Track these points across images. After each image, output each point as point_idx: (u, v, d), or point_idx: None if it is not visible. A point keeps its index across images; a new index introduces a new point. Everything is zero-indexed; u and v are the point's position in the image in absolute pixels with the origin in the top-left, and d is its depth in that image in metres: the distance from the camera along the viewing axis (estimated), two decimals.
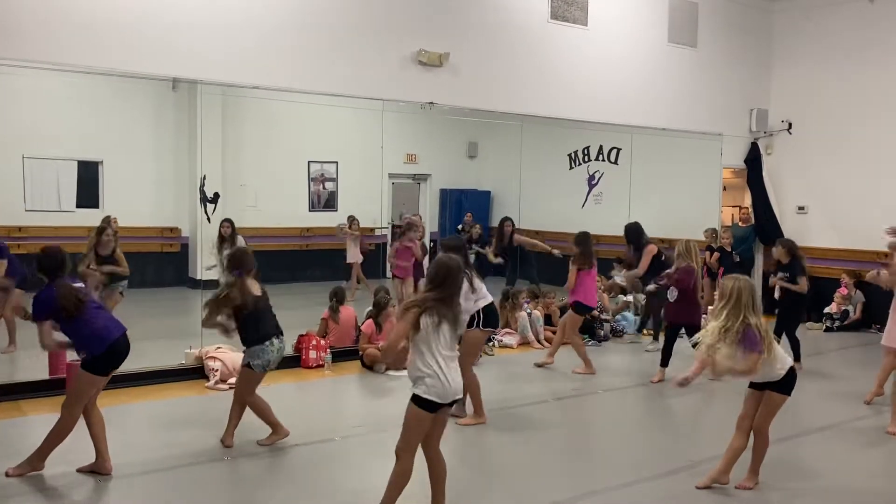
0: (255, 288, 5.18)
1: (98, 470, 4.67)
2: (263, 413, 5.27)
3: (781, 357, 4.64)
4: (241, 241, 9.33)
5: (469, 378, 5.71)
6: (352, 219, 11.16)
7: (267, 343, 5.15)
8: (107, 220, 8.01)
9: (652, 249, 8.93)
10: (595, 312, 9.64)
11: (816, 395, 7.12)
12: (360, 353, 7.91)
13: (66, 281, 4.62)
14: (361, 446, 5.45)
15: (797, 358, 7.69)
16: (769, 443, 4.75)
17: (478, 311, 5.84)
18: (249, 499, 4.54)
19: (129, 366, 7.12)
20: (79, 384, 4.67)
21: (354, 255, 11.12)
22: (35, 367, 7.00)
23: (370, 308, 8.33)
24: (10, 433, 5.63)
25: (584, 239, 7.85)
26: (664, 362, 7.54)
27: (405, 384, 7.25)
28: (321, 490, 4.71)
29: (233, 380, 6.94)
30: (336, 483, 4.81)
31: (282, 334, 5.29)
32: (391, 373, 7.61)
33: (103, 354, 4.59)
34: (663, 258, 8.84)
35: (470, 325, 5.74)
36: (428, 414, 3.89)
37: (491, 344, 8.88)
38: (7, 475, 4.57)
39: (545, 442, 5.78)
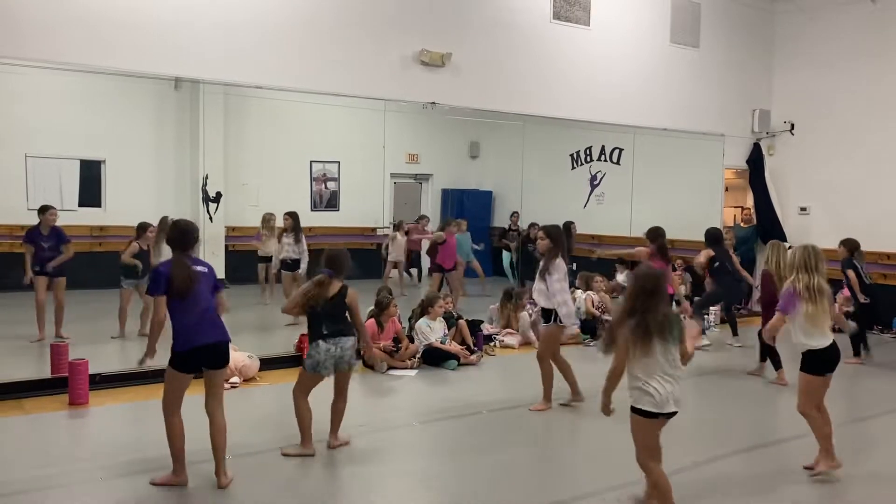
0: (334, 289, 5.16)
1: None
2: (301, 420, 5.21)
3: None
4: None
5: (546, 368, 6.38)
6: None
7: (313, 344, 5.14)
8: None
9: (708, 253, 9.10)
10: (597, 313, 9.65)
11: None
12: (362, 352, 7.90)
13: (185, 259, 4.51)
14: (363, 445, 5.45)
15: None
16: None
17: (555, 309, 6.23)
18: (250, 497, 4.54)
19: (134, 363, 7.23)
20: (166, 380, 4.63)
21: (399, 254, 11.31)
22: (38, 365, 7.04)
23: (372, 307, 8.33)
24: (11, 432, 5.64)
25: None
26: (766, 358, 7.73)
27: (406, 383, 7.33)
28: (322, 490, 4.71)
29: (234, 379, 6.95)
30: (338, 483, 4.81)
31: (339, 335, 5.15)
32: (392, 372, 7.62)
33: (183, 354, 4.52)
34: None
35: (548, 320, 6.29)
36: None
37: (493, 344, 8.89)
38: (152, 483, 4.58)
39: (548, 442, 5.78)
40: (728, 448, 5.55)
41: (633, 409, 4.00)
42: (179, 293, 4.42)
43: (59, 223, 8.06)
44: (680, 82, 11.04)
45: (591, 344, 9.17)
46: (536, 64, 9.61)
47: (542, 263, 6.36)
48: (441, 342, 7.99)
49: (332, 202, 12.78)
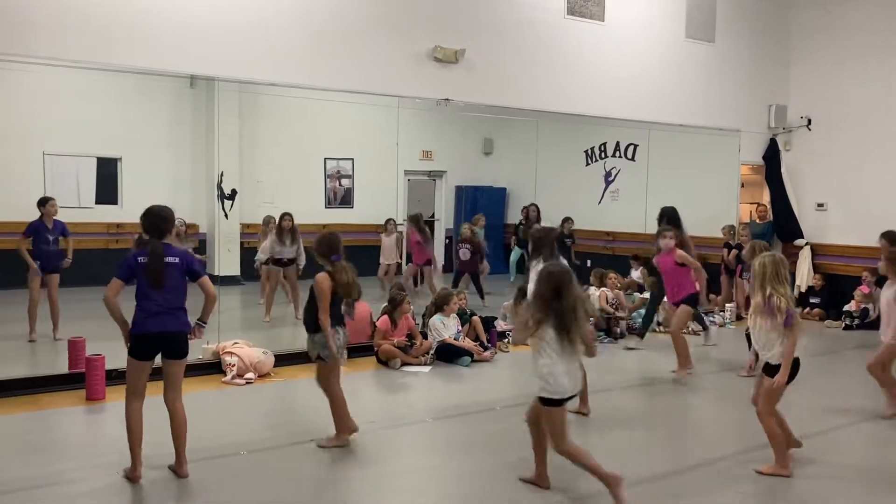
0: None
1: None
2: (340, 410, 5.25)
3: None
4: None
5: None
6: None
7: (331, 330, 5.16)
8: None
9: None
10: (611, 309, 9.62)
11: (835, 394, 7.05)
12: (375, 348, 7.93)
13: (161, 249, 4.50)
14: (376, 441, 5.47)
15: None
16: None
17: None
18: (263, 494, 4.57)
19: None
20: (126, 368, 4.60)
21: (388, 257, 11.23)
22: (55, 361, 7.11)
23: (385, 304, 8.36)
24: (28, 427, 5.71)
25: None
26: None
27: (419, 380, 7.35)
28: (334, 485, 4.73)
29: (249, 374, 7.00)
30: (350, 478, 4.83)
31: (341, 322, 5.28)
32: (406, 369, 7.64)
33: (137, 337, 4.51)
34: None
35: None
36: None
37: (506, 341, 8.88)
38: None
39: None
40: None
41: (543, 400, 4.29)
42: (150, 284, 4.44)
43: (77, 220, 8.10)
44: (695, 77, 10.96)
45: (605, 340, 9.15)
46: (551, 60, 9.57)
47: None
48: (455, 339, 8.00)
49: (346, 199, 12.82)
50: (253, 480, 4.70)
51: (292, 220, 9.65)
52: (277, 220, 9.72)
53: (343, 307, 5.28)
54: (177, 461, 4.65)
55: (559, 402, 4.28)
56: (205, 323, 4.72)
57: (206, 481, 4.66)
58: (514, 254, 12.76)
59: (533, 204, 12.05)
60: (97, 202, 10.63)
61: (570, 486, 4.66)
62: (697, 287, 7.70)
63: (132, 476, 4.54)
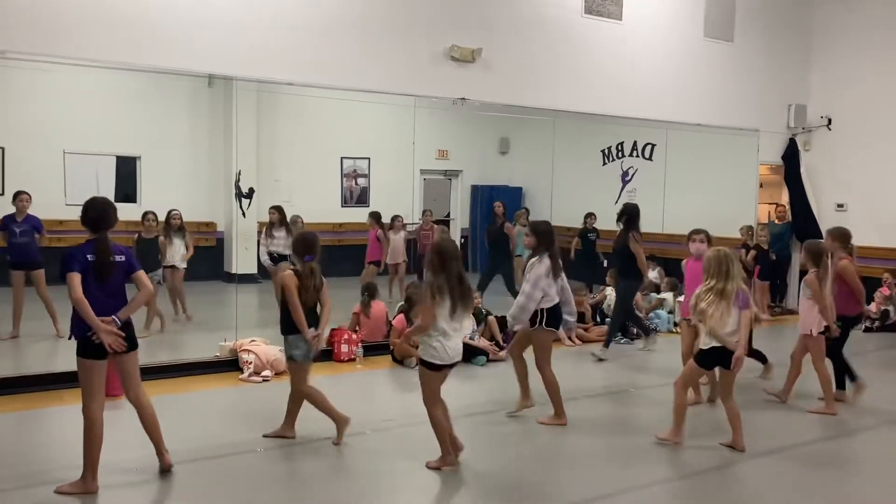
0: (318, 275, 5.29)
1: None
2: (326, 411, 5.31)
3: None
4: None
5: (548, 376, 5.82)
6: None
7: (301, 333, 5.16)
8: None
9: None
10: None
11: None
12: (391, 347, 7.95)
13: (107, 243, 4.37)
14: (392, 439, 5.48)
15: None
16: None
17: (540, 310, 5.67)
18: (280, 491, 4.59)
19: (165, 357, 7.37)
20: (79, 373, 4.40)
21: (396, 256, 11.11)
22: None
23: (401, 303, 8.37)
24: (51, 422, 5.77)
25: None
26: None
27: None
28: (350, 482, 4.75)
29: (266, 372, 7.04)
30: (365, 475, 4.84)
31: (316, 323, 5.23)
32: None
33: (88, 338, 4.31)
34: None
35: (532, 324, 5.70)
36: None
37: None
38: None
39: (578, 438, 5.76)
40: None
41: (422, 361, 4.75)
42: (98, 277, 4.30)
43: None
44: (714, 77, 10.89)
45: (622, 341, 9.10)
46: (567, 59, 9.54)
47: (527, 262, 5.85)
48: (470, 338, 7.99)
49: (362, 198, 12.84)
50: (267, 476, 4.72)
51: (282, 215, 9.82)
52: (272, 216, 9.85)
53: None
54: (158, 453, 4.64)
55: (439, 368, 4.71)
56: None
57: (223, 479, 4.69)
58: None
59: (498, 201, 11.44)
60: (116, 200, 10.61)
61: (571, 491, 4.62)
62: None
63: (89, 489, 4.34)
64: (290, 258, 5.60)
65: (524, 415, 6.01)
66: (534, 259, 5.76)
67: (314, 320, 5.22)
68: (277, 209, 9.81)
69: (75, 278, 4.23)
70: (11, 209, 7.95)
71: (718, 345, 5.16)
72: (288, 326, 5.15)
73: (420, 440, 5.54)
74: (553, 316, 5.74)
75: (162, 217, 8.97)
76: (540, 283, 5.63)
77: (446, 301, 4.64)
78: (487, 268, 10.98)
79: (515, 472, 4.99)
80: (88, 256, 4.31)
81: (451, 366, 4.80)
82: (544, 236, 5.78)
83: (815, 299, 6.23)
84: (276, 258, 9.66)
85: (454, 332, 4.73)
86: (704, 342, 5.24)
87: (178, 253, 9.01)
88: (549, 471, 5.03)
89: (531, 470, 5.03)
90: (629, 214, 8.22)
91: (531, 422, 5.91)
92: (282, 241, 9.60)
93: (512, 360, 6.08)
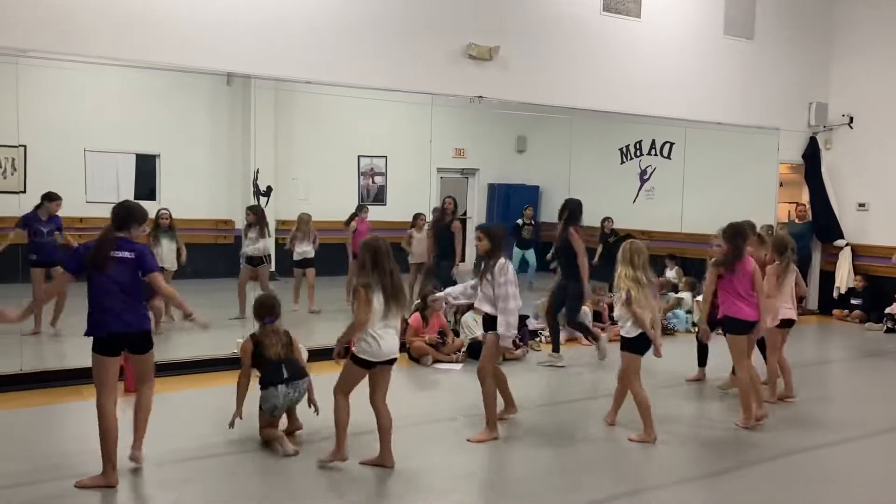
0: (283, 335, 5.43)
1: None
2: (277, 443, 5.23)
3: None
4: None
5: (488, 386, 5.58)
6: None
7: (271, 388, 5.20)
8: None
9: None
10: None
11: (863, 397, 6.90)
12: (407, 345, 7.96)
13: (111, 238, 4.50)
14: (405, 438, 5.47)
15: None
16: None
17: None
18: (290, 487, 4.61)
19: (183, 354, 7.43)
20: (93, 368, 4.55)
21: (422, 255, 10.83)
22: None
23: (417, 301, 8.38)
24: (71, 417, 5.84)
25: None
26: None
27: (451, 377, 7.35)
28: (360, 480, 4.76)
29: None
30: (381, 474, 4.85)
31: (297, 378, 5.30)
32: (437, 366, 7.65)
33: (103, 339, 4.47)
34: None
35: (491, 328, 5.50)
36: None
37: (538, 339, 8.84)
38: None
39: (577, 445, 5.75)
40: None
41: (352, 356, 4.73)
42: (91, 264, 4.42)
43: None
44: (733, 75, 10.79)
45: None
46: (585, 57, 9.50)
47: (482, 266, 5.49)
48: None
49: (379, 196, 12.87)
50: (278, 473, 4.74)
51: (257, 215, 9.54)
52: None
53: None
54: (135, 444, 4.70)
55: (370, 365, 4.72)
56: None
57: (238, 474, 4.73)
58: (516, 254, 12.41)
59: (449, 196, 10.41)
60: (136, 198, 10.77)
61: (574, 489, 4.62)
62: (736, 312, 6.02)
63: (109, 482, 4.41)
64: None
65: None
66: (501, 262, 5.39)
67: (292, 372, 5.25)
68: (252, 209, 9.40)
69: (56, 272, 4.70)
70: (30, 206, 8.05)
71: (641, 331, 5.41)
72: (261, 381, 5.24)
73: (434, 439, 5.56)
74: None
75: (175, 215, 9.03)
76: (514, 288, 5.39)
77: (379, 299, 4.64)
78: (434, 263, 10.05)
79: None
80: (81, 248, 4.56)
81: (388, 363, 4.80)
82: (499, 240, 5.50)
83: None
84: (248, 259, 9.24)
85: (386, 331, 4.70)
86: (627, 330, 5.47)
87: (167, 253, 8.88)
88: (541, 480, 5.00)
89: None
90: (570, 209, 7.84)
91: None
92: (251, 243, 9.19)
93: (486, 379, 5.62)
